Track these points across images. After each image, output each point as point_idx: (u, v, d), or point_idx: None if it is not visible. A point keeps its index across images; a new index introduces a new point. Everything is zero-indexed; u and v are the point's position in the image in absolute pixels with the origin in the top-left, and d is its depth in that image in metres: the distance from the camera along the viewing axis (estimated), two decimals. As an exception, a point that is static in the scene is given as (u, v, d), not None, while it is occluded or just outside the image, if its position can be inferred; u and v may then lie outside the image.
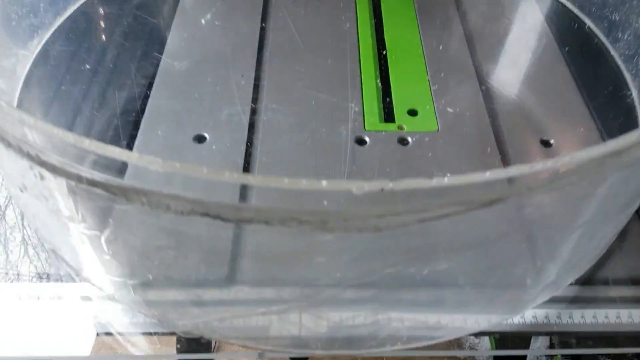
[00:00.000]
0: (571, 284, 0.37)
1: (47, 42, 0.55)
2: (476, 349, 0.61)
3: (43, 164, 0.27)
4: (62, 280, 0.38)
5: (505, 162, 0.43)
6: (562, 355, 0.60)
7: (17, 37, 0.50)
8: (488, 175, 0.23)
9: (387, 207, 0.23)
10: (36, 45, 0.52)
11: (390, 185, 0.22)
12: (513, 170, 0.23)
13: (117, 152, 0.24)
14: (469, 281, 0.29)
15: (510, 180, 0.24)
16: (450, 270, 0.27)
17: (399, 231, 0.24)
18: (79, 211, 0.29)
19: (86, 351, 0.36)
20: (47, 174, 0.27)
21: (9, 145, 0.28)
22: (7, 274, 0.40)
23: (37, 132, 0.26)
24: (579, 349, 0.37)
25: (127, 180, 0.25)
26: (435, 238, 0.25)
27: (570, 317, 0.35)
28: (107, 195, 0.25)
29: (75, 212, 0.29)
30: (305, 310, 0.29)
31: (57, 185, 0.28)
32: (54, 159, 0.26)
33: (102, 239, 0.29)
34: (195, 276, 0.29)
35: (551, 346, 0.41)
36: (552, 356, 0.50)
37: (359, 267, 0.26)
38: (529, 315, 0.36)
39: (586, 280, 0.38)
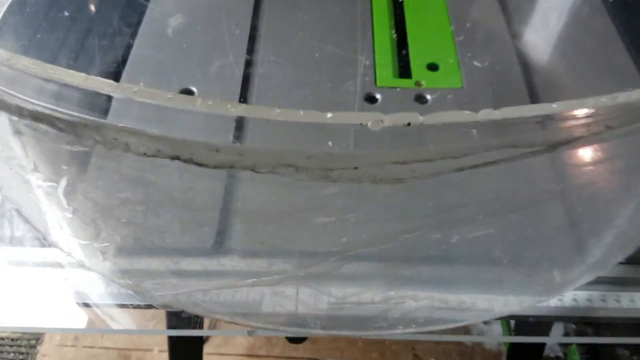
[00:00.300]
0: (620, 263, 0.31)
1: (8, 10, 0.49)
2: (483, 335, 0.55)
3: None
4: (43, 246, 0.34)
5: (542, 122, 0.37)
6: (579, 345, 0.54)
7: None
8: (555, 107, 0.17)
9: (415, 150, 0.17)
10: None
11: (420, 119, 0.16)
12: (589, 102, 0.17)
13: (59, 73, 0.18)
14: (504, 255, 0.23)
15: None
16: (481, 240, 0.21)
17: (425, 185, 0.18)
18: (30, 157, 0.23)
19: (76, 324, 0.32)
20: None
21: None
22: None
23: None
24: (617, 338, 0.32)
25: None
26: (473, 194, 0.19)
27: (617, 301, 0.30)
28: (55, 132, 0.19)
29: (26, 159, 0.24)
30: (303, 283, 0.23)
31: (2, 124, 0.23)
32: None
33: (60, 192, 0.24)
34: (172, 240, 0.23)
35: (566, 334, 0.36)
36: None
37: (370, 231, 0.20)
38: (568, 297, 0.30)
39: (637, 260, 0.32)
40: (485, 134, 0.17)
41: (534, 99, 0.39)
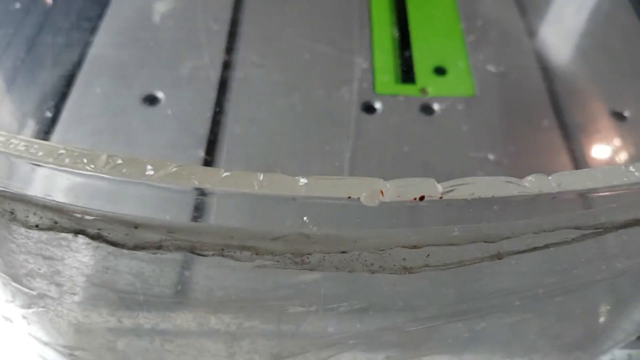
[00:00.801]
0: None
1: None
2: None
3: None
4: None
5: (568, 140, 0.31)
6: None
7: None
8: (634, 171, 0.12)
9: (430, 230, 0.12)
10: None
11: (438, 189, 0.11)
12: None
13: None
14: (539, 336, 0.18)
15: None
16: (522, 322, 0.16)
17: (447, 272, 0.12)
18: None
19: None
20: None
21: None
22: None
23: None
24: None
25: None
26: (510, 279, 0.14)
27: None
28: None
29: None
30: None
31: None
32: None
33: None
34: (104, 315, 0.18)
35: None
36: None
37: (366, 322, 0.15)
38: (606, 358, 0.25)
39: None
40: (534, 206, 0.11)
41: (557, 111, 0.33)
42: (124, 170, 0.11)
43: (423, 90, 0.35)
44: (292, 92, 0.35)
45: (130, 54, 0.36)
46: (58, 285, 0.16)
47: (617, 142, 0.32)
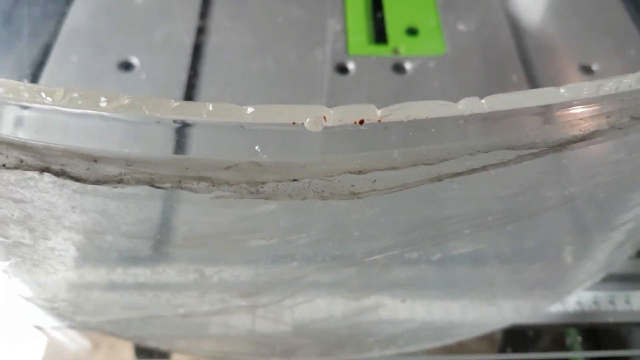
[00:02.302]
0: (630, 258, 0.27)
1: None
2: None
3: None
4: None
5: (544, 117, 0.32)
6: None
7: None
8: (563, 92, 0.12)
9: (374, 155, 0.12)
10: None
11: (378, 113, 0.12)
12: (610, 86, 0.12)
13: None
14: (496, 268, 0.19)
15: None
16: (476, 252, 0.17)
17: (392, 196, 0.13)
18: None
19: None
20: None
21: None
22: None
23: None
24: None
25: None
26: (457, 205, 0.15)
27: (627, 302, 0.26)
28: None
29: None
30: (250, 312, 0.19)
31: None
32: None
33: None
34: (76, 259, 0.18)
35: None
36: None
37: (327, 252, 0.16)
38: (572, 300, 0.26)
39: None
40: (469, 128, 0.12)
41: (527, 66, 0.34)
42: (79, 102, 0.11)
43: (395, 50, 0.35)
44: (265, 55, 0.35)
45: (104, 23, 0.36)
46: (31, 230, 0.16)
47: (583, 95, 0.33)
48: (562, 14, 0.38)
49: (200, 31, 0.36)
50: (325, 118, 0.11)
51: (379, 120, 0.11)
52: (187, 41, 0.35)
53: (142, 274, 0.18)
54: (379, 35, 0.36)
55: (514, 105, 0.12)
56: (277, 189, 0.13)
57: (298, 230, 0.15)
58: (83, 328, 0.23)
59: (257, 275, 0.16)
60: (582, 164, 0.14)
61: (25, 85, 0.12)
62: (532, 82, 0.33)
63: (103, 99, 0.11)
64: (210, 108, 0.12)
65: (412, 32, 0.36)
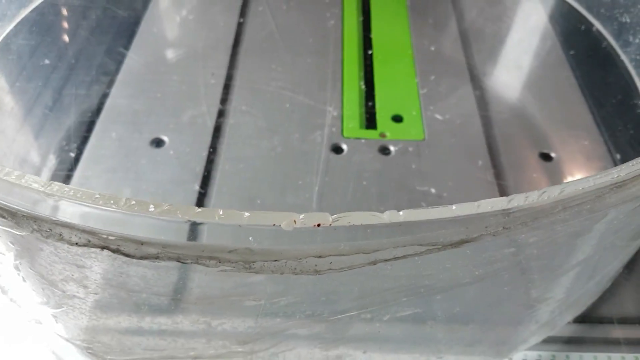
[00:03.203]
0: (569, 323, 0.32)
1: (8, 34, 0.50)
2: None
3: None
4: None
5: (499, 177, 0.38)
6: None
7: (-32, 28, 0.46)
8: (455, 209, 0.18)
9: (328, 245, 0.18)
10: (-7, 37, 0.48)
11: (329, 219, 0.17)
12: (485, 205, 0.18)
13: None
14: (436, 328, 0.24)
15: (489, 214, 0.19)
16: (416, 315, 0.22)
17: (346, 274, 0.19)
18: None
19: None
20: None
21: None
22: None
23: None
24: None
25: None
26: (394, 280, 0.20)
27: (565, 362, 0.30)
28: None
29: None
30: (247, 358, 0.24)
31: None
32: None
33: (10, 263, 0.25)
34: (115, 311, 0.24)
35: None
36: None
37: (302, 312, 0.21)
38: (518, 358, 0.31)
39: (587, 319, 0.33)
40: (392, 230, 0.18)
41: (492, 152, 0.40)
42: (135, 208, 0.17)
43: (382, 135, 0.41)
44: (274, 136, 0.42)
45: (140, 104, 0.43)
46: (85, 287, 0.22)
47: (541, 178, 0.39)
48: (528, 106, 0.44)
49: (221, 114, 0.43)
50: (295, 221, 0.17)
51: (330, 224, 0.17)
52: (210, 122, 0.42)
53: (164, 322, 0.23)
54: (370, 121, 0.43)
55: (421, 217, 0.18)
56: (264, 266, 0.19)
57: (279, 294, 0.20)
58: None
59: (250, 328, 0.22)
60: (482, 253, 0.20)
61: (100, 194, 0.18)
62: (497, 167, 0.39)
63: (152, 206, 0.17)
64: (221, 213, 0.18)
65: (397, 119, 0.43)
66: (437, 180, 0.37)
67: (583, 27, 0.51)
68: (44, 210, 0.19)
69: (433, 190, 0.37)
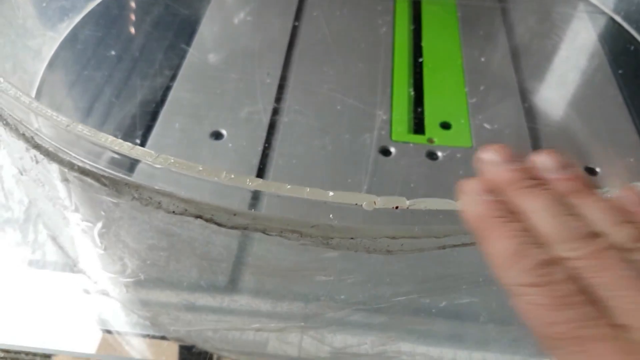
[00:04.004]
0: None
1: (76, 25, 0.54)
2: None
3: (37, 147, 0.25)
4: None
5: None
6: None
7: (46, 19, 0.50)
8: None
9: (402, 228, 0.20)
10: (65, 28, 0.52)
11: (407, 203, 0.19)
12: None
13: (109, 140, 0.21)
14: (492, 317, 0.25)
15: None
16: (472, 304, 0.24)
17: (413, 257, 0.21)
18: (73, 200, 0.27)
19: (92, 349, 0.34)
20: (41, 157, 0.26)
21: (6, 124, 0.26)
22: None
23: (36, 115, 0.24)
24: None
25: (136, 177, 0.23)
26: (457, 267, 0.22)
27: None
28: (99, 186, 0.23)
29: (69, 201, 0.27)
30: (304, 332, 0.26)
31: (51, 171, 0.27)
32: (49, 143, 0.25)
33: (95, 232, 0.27)
34: (190, 281, 0.26)
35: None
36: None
37: (366, 292, 0.23)
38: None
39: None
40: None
41: (539, 163, 0.41)
42: (234, 180, 0.19)
43: (430, 140, 0.43)
44: (325, 136, 0.44)
45: (201, 98, 0.46)
46: (168, 255, 0.24)
47: (586, 191, 0.40)
48: (575, 121, 0.45)
49: (275, 112, 0.45)
50: (375, 202, 0.19)
51: (407, 207, 0.19)
52: (265, 119, 0.44)
53: (230, 297, 0.25)
54: (418, 126, 0.44)
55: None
56: (340, 242, 0.21)
57: (349, 272, 0.22)
58: (174, 336, 0.31)
59: (312, 305, 0.24)
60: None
61: (202, 166, 0.20)
62: (542, 177, 0.40)
63: (248, 180, 0.19)
64: (308, 190, 0.20)
65: (445, 126, 0.44)
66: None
67: (632, 48, 0.51)
68: (143, 179, 0.21)
69: (479, 195, 0.38)
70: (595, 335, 0.12)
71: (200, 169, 0.20)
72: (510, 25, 0.54)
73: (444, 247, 0.20)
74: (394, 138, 0.43)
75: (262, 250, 0.22)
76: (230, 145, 0.42)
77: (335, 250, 0.21)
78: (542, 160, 0.17)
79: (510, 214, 0.16)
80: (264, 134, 0.43)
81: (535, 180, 0.17)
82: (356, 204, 0.19)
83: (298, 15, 0.55)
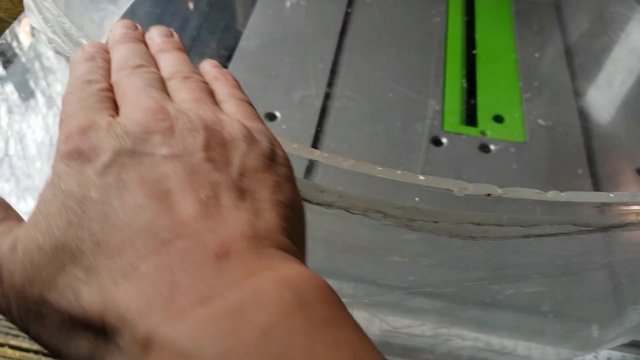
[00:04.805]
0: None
1: (136, 1, 0.55)
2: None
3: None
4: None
5: (597, 187, 0.39)
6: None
7: (107, -7, 0.51)
8: (613, 196, 0.20)
9: (490, 214, 0.20)
10: (125, 3, 0.53)
11: (499, 191, 0.20)
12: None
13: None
14: (550, 308, 0.26)
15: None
16: (538, 293, 0.24)
17: (491, 243, 0.21)
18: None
19: None
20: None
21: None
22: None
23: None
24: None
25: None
26: (533, 256, 0.22)
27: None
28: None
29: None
30: (366, 309, 0.27)
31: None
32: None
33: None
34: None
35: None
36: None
37: (437, 275, 0.24)
38: (603, 356, 0.32)
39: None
40: (550, 209, 0.20)
41: (591, 163, 0.41)
42: (328, 159, 0.20)
43: (483, 133, 0.43)
44: (377, 123, 0.44)
45: (256, 80, 0.47)
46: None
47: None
48: (627, 121, 0.45)
49: (327, 97, 0.46)
50: (467, 189, 0.20)
51: (500, 195, 0.20)
52: (317, 103, 0.45)
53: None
54: (470, 118, 0.45)
55: (580, 199, 0.20)
56: (424, 225, 0.21)
57: (424, 255, 0.22)
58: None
59: (385, 280, 0.24)
60: (620, 242, 0.21)
61: (297, 144, 0.21)
62: (594, 177, 0.40)
63: (342, 160, 0.20)
64: (399, 172, 0.20)
65: (498, 119, 0.44)
66: (538, 183, 0.39)
67: (690, 50, 0.51)
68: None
69: (566, 193, 0.38)
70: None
71: (295, 146, 0.21)
72: (564, 22, 0.54)
73: (528, 237, 0.20)
74: (446, 129, 0.43)
75: (340, 227, 0.23)
76: (284, 127, 0.43)
77: (416, 232, 0.21)
78: (150, 32, 0.21)
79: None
80: (316, 118, 0.44)
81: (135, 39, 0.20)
82: (447, 189, 0.20)
83: (351, 2, 0.55)
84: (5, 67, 0.49)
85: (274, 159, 0.16)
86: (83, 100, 0.16)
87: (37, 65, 0.49)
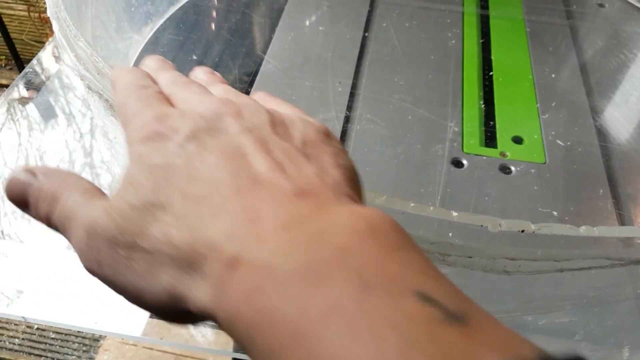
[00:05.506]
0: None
1: (158, 29, 0.57)
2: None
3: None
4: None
5: (619, 207, 0.39)
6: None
7: (133, 23, 0.52)
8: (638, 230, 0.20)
9: (523, 250, 0.21)
10: (149, 32, 0.54)
11: (532, 227, 0.20)
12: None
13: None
14: (587, 336, 0.26)
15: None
16: (570, 323, 0.25)
17: (529, 277, 0.22)
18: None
19: (137, 332, 0.36)
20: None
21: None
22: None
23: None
24: None
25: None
26: (566, 289, 0.23)
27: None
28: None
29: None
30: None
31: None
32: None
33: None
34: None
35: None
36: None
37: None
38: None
39: None
40: (583, 242, 0.21)
41: (612, 183, 0.41)
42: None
43: (503, 154, 0.44)
44: (397, 145, 0.45)
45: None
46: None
47: (661, 213, 0.40)
48: (647, 141, 0.45)
49: (347, 120, 0.47)
50: (500, 225, 0.20)
51: (533, 232, 0.20)
52: (338, 127, 0.46)
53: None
54: (490, 139, 0.45)
55: (613, 234, 0.20)
56: (457, 260, 0.22)
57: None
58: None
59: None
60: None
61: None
62: (616, 197, 0.40)
63: (380, 197, 0.21)
64: (431, 209, 0.21)
65: (517, 140, 0.45)
66: (559, 204, 0.39)
67: None
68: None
69: (555, 213, 0.39)
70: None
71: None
72: (579, 42, 0.54)
73: (561, 271, 0.21)
74: (465, 150, 0.44)
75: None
76: (308, 151, 0.44)
77: (450, 267, 0.22)
78: (195, 71, 0.23)
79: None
80: (339, 142, 0.45)
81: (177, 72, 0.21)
82: (481, 226, 0.20)
83: (367, 26, 0.57)
84: (27, 89, 0.50)
85: (329, 135, 0.19)
86: (145, 99, 0.18)
87: (56, 83, 0.51)
